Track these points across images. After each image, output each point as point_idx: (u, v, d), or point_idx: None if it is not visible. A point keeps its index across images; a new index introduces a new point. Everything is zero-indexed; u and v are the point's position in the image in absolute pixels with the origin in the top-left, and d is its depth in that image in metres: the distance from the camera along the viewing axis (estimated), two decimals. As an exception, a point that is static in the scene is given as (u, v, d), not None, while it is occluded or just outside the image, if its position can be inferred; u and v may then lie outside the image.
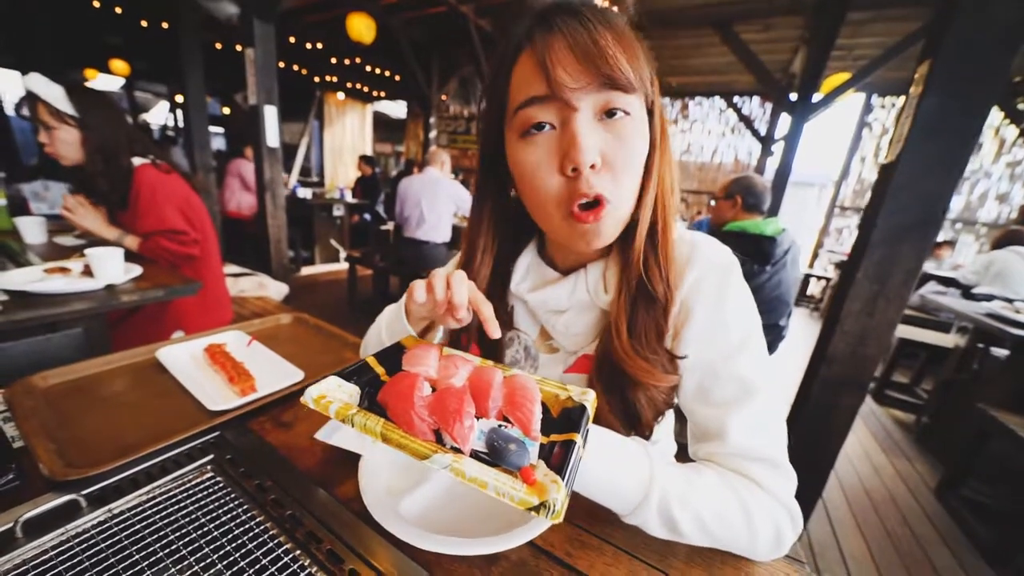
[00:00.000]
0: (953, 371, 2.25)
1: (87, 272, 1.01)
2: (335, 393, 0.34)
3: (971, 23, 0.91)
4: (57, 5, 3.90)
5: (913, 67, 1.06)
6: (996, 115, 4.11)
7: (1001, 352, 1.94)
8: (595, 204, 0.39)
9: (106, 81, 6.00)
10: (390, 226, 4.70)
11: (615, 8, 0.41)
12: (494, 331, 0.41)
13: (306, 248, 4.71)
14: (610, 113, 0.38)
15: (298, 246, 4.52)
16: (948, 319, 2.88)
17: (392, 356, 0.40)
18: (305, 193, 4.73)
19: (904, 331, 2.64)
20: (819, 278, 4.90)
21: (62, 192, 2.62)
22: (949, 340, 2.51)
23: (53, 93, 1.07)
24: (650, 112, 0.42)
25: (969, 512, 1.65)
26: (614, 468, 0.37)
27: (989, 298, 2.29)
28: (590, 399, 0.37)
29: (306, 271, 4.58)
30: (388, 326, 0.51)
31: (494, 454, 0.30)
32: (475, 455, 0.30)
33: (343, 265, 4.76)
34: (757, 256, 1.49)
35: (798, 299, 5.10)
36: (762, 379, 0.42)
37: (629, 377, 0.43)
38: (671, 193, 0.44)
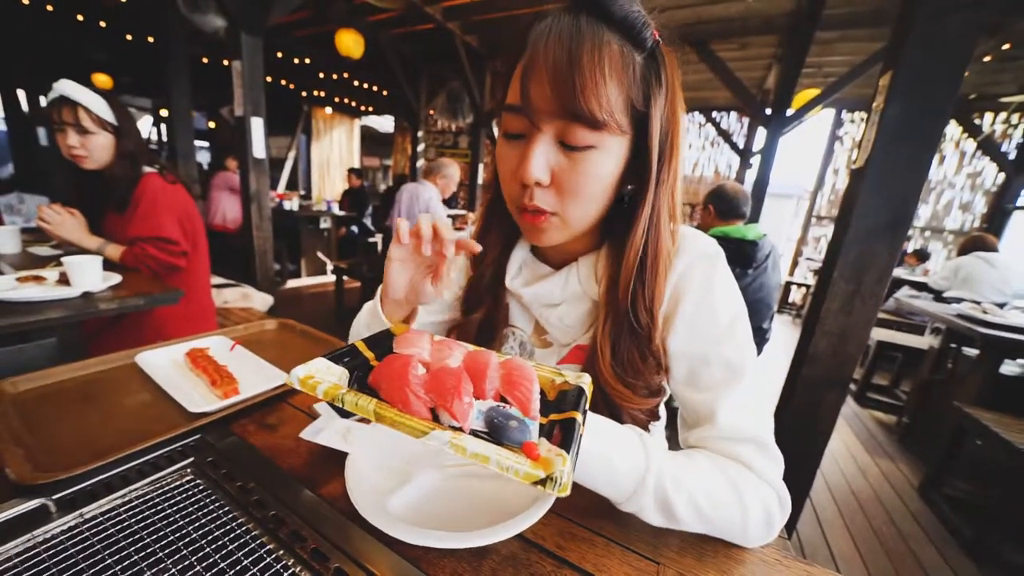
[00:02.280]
0: (929, 372, 2.33)
1: (63, 280, 0.98)
2: (323, 374, 0.33)
3: (926, 36, 0.97)
4: (40, 18, 3.86)
5: (877, 82, 1.12)
6: (956, 130, 4.36)
7: (972, 351, 2.01)
8: (539, 211, 0.42)
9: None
10: (378, 238, 4.68)
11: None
12: (476, 246, 0.43)
13: (292, 261, 4.64)
14: (572, 142, 0.39)
15: (284, 259, 4.46)
16: (922, 322, 2.99)
17: (382, 342, 0.39)
18: (292, 205, 4.69)
19: (882, 334, 2.72)
20: (800, 285, 5.03)
21: (38, 204, 2.56)
22: (924, 342, 2.60)
23: (96, 102, 1.16)
24: (643, 144, 0.41)
25: (951, 509, 1.68)
26: (610, 452, 0.37)
27: (959, 301, 2.39)
28: (586, 381, 0.37)
29: (292, 283, 4.51)
30: (367, 323, 0.53)
31: (495, 431, 0.29)
32: (474, 434, 0.29)
33: (330, 278, 4.70)
34: (739, 260, 1.54)
35: (780, 306, 5.23)
36: (748, 362, 0.43)
37: (612, 400, 0.45)
38: (666, 223, 0.44)
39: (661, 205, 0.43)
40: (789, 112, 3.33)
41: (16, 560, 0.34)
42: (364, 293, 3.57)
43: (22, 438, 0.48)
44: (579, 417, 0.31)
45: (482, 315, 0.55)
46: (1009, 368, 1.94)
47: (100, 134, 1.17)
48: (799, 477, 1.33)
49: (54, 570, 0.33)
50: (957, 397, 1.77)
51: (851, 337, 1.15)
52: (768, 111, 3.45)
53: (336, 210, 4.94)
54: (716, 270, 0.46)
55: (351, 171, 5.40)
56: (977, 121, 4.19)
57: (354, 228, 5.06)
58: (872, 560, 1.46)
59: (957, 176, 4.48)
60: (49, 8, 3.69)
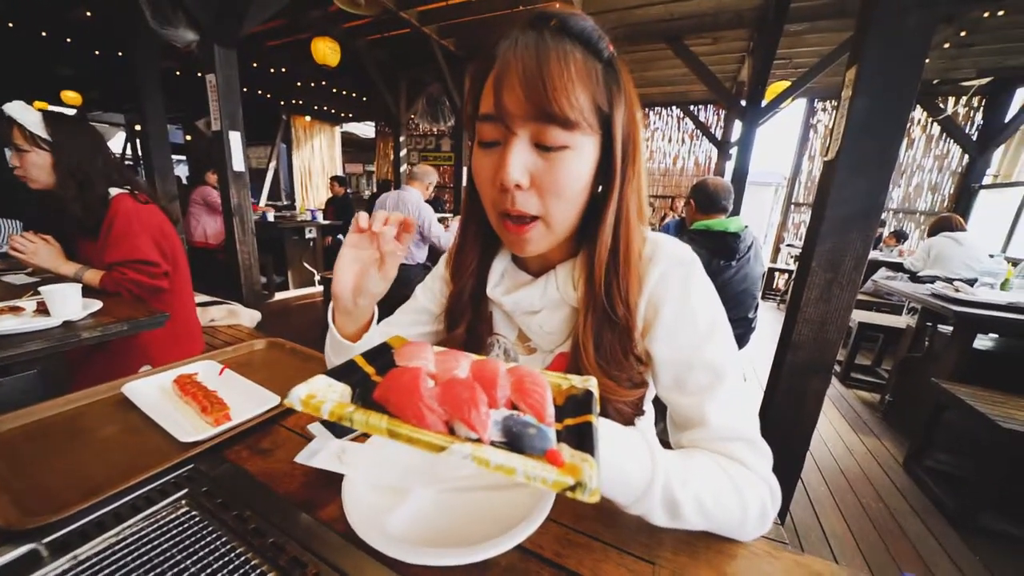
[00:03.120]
0: (907, 350, 2.41)
1: (41, 310, 0.95)
2: (326, 392, 0.31)
3: (885, 31, 1.01)
4: (1, 36, 3.72)
5: (845, 74, 1.16)
6: (922, 114, 4.52)
7: (947, 328, 2.10)
8: (522, 219, 0.43)
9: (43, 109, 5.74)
10: (365, 246, 4.62)
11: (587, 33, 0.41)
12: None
13: (279, 273, 4.57)
14: (548, 143, 0.40)
15: (271, 271, 4.39)
16: (900, 302, 3.09)
17: (381, 355, 0.38)
18: (269, 217, 4.61)
19: (862, 316, 2.81)
20: (782, 271, 5.16)
21: (8, 231, 2.47)
22: (902, 321, 2.69)
23: (30, 118, 1.10)
24: (609, 145, 0.43)
25: (933, 481, 1.75)
26: (618, 454, 0.36)
27: (932, 280, 2.48)
28: (593, 384, 0.37)
29: (280, 296, 4.44)
30: (330, 347, 0.55)
31: (514, 440, 0.28)
32: (493, 445, 0.28)
33: (318, 288, 4.65)
34: (723, 252, 1.57)
35: (765, 293, 5.34)
36: (730, 362, 0.45)
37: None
38: (635, 221, 0.46)
39: (629, 202, 0.46)
40: (764, 103, 3.41)
41: (10, 609, 0.34)
42: (353, 302, 3.53)
43: (8, 481, 0.47)
44: (594, 420, 0.31)
45: (466, 325, 0.56)
46: (982, 343, 2.03)
47: (33, 152, 1.11)
48: (789, 461, 1.36)
49: (51, 616, 0.33)
50: (935, 373, 1.84)
51: (831, 323, 1.19)
52: (743, 103, 3.53)
53: (320, 219, 4.88)
54: (692, 276, 0.47)
55: (334, 179, 5.34)
56: (941, 105, 4.35)
57: (340, 237, 5.01)
58: (862, 536, 1.51)
59: (926, 158, 4.64)
60: (10, 24, 3.56)
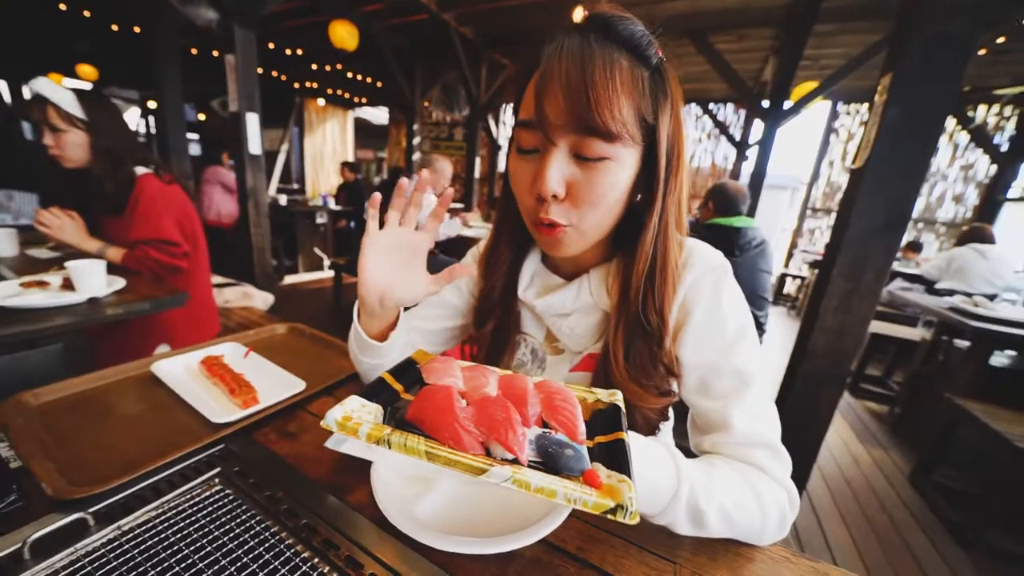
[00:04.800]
0: (921, 363, 2.38)
1: (67, 286, 0.97)
2: (360, 414, 0.32)
3: (926, 38, 0.98)
4: (20, 8, 3.74)
5: (876, 76, 1.13)
6: (949, 122, 4.39)
7: (963, 344, 2.07)
8: (554, 223, 0.43)
9: (71, 87, 5.77)
10: (375, 233, 4.64)
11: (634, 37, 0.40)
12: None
13: (288, 256, 4.61)
14: (588, 154, 0.40)
15: (281, 254, 4.43)
16: (915, 314, 3.04)
17: (407, 371, 0.39)
18: (285, 200, 4.65)
19: (875, 326, 2.77)
20: (794, 277, 5.09)
21: (33, 205, 2.50)
22: (916, 334, 2.65)
23: (64, 97, 1.10)
24: (651, 155, 0.43)
25: (940, 497, 1.74)
26: (645, 467, 0.36)
27: (951, 293, 2.44)
28: (619, 398, 0.37)
29: (289, 279, 4.49)
30: (355, 342, 0.54)
31: (550, 461, 0.28)
32: (530, 466, 0.29)
33: (327, 273, 4.69)
34: (723, 245, 1.57)
35: (775, 298, 5.29)
36: (757, 369, 0.45)
37: (625, 400, 0.46)
38: (674, 231, 0.46)
39: (669, 213, 0.45)
40: (787, 104, 3.33)
41: (63, 573, 0.35)
42: (363, 289, 3.56)
43: (52, 451, 0.48)
44: (627, 438, 0.31)
45: (494, 325, 0.57)
46: (998, 359, 2.00)
47: (71, 131, 1.12)
48: (797, 469, 1.36)
49: (101, 582, 0.35)
50: (948, 388, 1.82)
51: (849, 334, 1.18)
52: (765, 103, 3.45)
53: (332, 204, 4.89)
54: (723, 281, 0.48)
55: (345, 165, 5.34)
56: (970, 113, 4.23)
57: (351, 223, 5.03)
58: (865, 547, 1.51)
59: (950, 168, 4.53)
60: (30, -3, 3.58)
